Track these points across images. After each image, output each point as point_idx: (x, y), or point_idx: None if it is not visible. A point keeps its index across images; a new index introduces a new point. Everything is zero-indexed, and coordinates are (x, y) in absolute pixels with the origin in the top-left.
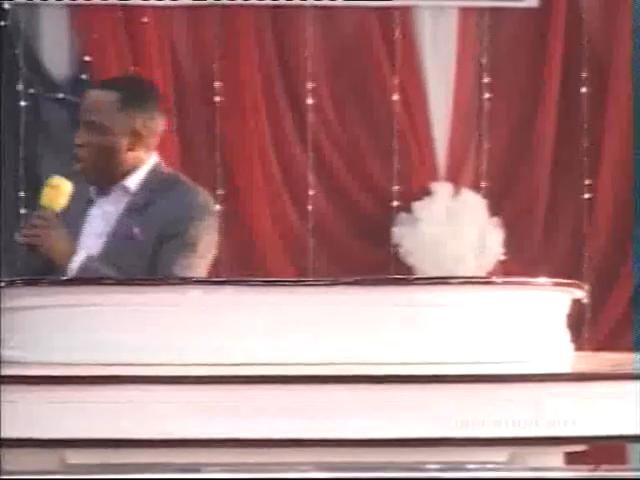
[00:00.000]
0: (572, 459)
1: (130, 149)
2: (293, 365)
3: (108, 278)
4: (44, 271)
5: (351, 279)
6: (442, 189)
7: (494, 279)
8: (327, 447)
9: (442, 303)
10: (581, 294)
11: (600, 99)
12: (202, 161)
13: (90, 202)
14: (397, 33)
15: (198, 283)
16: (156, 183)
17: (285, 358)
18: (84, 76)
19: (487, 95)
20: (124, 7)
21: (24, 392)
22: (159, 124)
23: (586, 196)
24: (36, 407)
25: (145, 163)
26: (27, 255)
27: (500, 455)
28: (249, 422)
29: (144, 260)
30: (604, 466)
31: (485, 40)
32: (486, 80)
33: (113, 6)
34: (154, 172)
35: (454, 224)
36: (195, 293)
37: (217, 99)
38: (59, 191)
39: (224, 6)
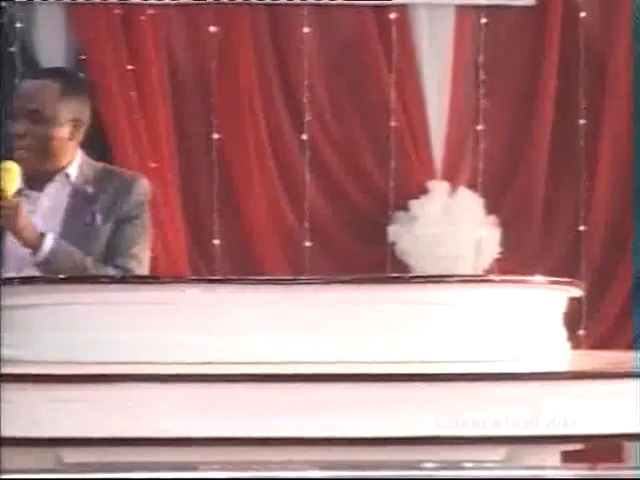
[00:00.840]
0: (569, 458)
1: (70, 139)
2: (289, 364)
3: (105, 277)
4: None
5: (348, 278)
6: (439, 188)
7: (491, 277)
8: (324, 445)
9: (439, 301)
10: (578, 292)
11: (598, 97)
12: (199, 160)
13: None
14: (394, 31)
15: (195, 282)
16: (93, 172)
17: (282, 356)
18: (81, 74)
19: (483, 93)
20: (121, 5)
21: (20, 390)
22: (89, 115)
23: (583, 195)
24: (32, 406)
25: (78, 154)
26: None
27: (497, 454)
28: (245, 421)
29: (101, 244)
30: (601, 465)
31: (482, 38)
32: (483, 78)
33: (110, 4)
34: (86, 162)
35: (451, 223)
36: (192, 292)
37: (213, 98)
38: (12, 174)
39: (221, 4)
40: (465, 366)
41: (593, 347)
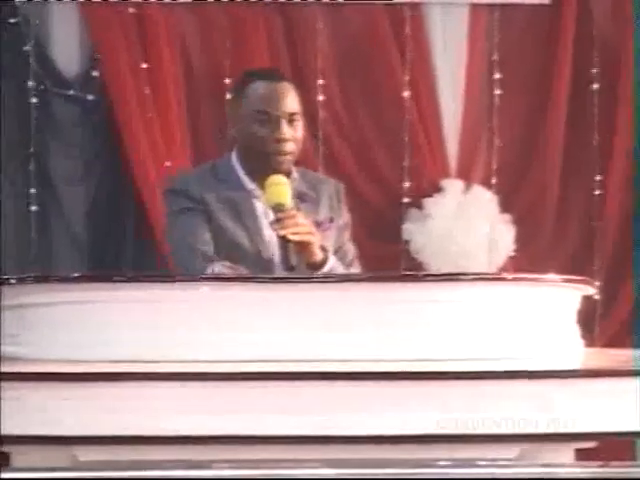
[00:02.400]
0: (582, 456)
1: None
2: (303, 362)
3: (118, 275)
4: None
5: (361, 275)
6: (453, 185)
7: (504, 275)
8: (337, 444)
9: (452, 299)
10: (591, 290)
11: (610, 95)
12: (213, 157)
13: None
14: (407, 29)
15: (207, 280)
16: (302, 175)
17: (295, 354)
18: (94, 73)
19: (498, 91)
20: (134, 4)
21: (34, 389)
22: None
23: (596, 192)
24: (46, 404)
25: None
26: (285, 252)
27: (510, 451)
28: (259, 419)
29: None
30: (614, 463)
31: (496, 36)
32: (497, 76)
33: (123, 3)
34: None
35: (465, 220)
36: (204, 290)
37: (228, 96)
38: (284, 187)
39: (234, 2)
40: (478, 364)
41: (607, 345)
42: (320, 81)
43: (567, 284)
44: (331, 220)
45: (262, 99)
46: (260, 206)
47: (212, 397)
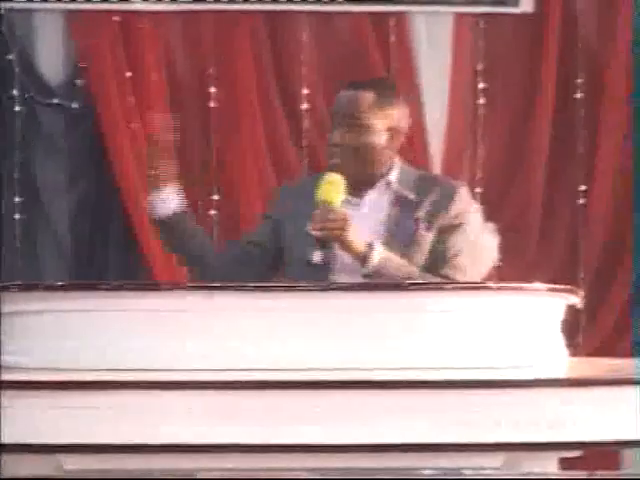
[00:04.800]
0: (567, 464)
1: (387, 147)
2: (289, 371)
3: (104, 283)
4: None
5: (345, 284)
6: None
7: (489, 284)
8: (322, 452)
9: (437, 308)
10: (576, 300)
11: (595, 104)
12: (197, 166)
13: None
14: (392, 38)
15: (195, 289)
16: (414, 179)
17: (281, 363)
18: (79, 81)
19: (482, 101)
20: (120, 12)
21: (21, 397)
22: (407, 123)
23: (581, 202)
24: (33, 412)
25: (396, 161)
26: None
27: (495, 460)
28: (247, 428)
29: (423, 253)
30: (599, 472)
31: (480, 46)
32: (481, 86)
33: (109, 12)
34: (405, 170)
35: None
36: (192, 298)
37: (212, 104)
38: (337, 186)
39: (219, 11)
40: (463, 373)
41: (591, 354)
42: (305, 90)
43: (552, 293)
44: (416, 224)
45: (336, 104)
46: None
47: (199, 406)
